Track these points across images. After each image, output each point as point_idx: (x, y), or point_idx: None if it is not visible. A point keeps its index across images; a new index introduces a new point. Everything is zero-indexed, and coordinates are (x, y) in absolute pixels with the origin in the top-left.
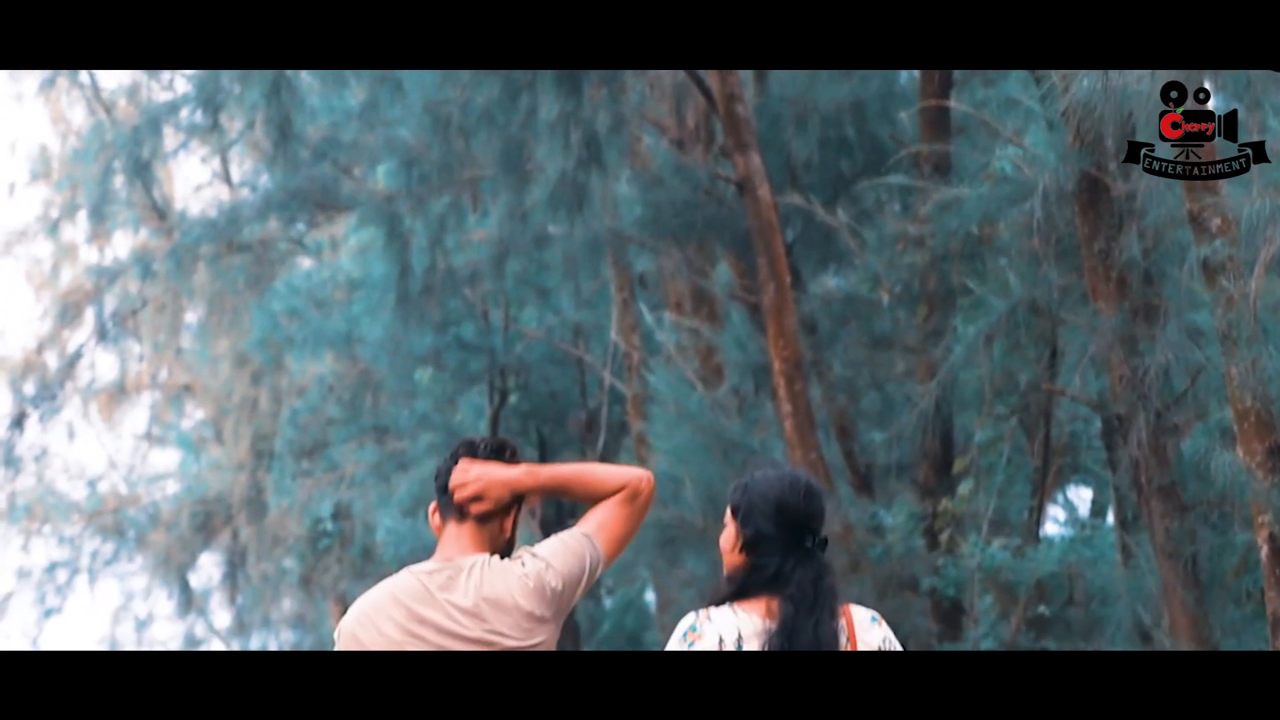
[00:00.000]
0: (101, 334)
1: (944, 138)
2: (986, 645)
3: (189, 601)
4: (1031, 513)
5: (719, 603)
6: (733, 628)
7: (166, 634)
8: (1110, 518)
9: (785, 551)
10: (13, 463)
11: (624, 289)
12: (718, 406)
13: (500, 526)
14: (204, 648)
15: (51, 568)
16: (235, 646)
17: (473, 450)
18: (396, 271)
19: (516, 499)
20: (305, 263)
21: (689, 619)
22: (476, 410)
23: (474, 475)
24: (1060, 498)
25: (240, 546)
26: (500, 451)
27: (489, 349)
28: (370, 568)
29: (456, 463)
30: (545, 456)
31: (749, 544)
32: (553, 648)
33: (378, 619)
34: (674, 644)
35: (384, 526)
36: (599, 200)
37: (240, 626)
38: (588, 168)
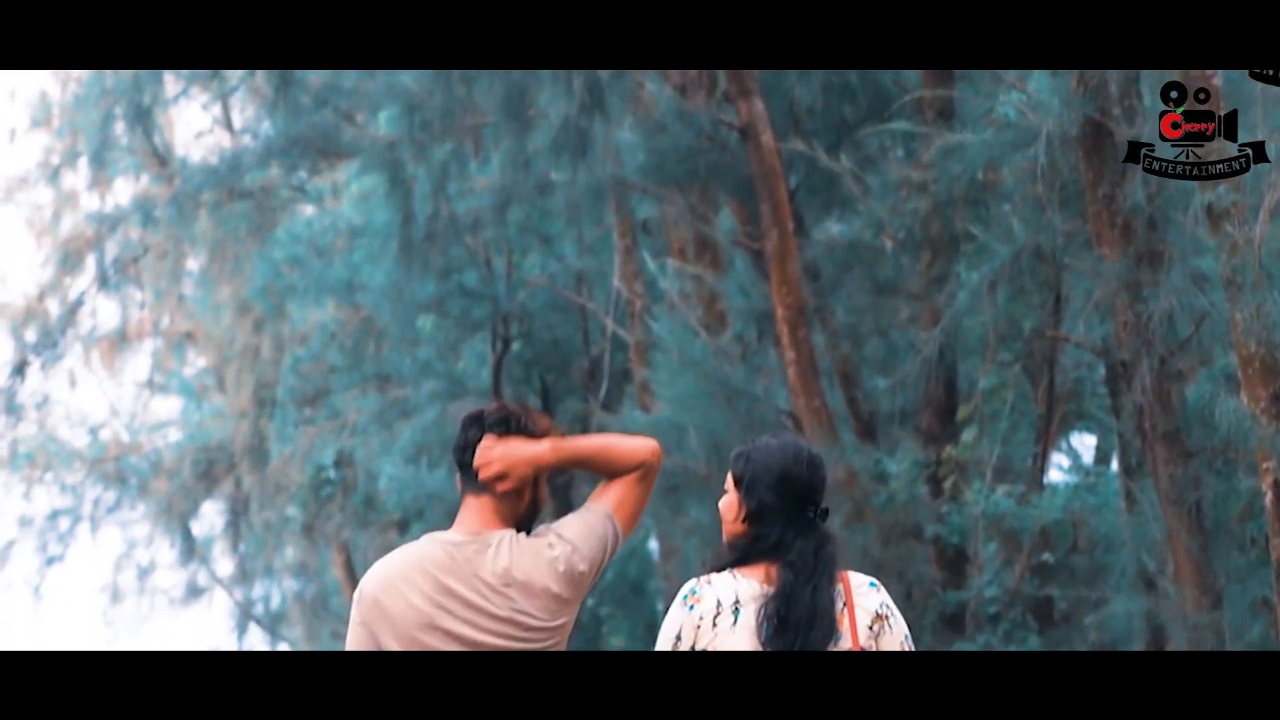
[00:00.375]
0: (103, 281)
1: (947, 83)
2: (990, 593)
3: (191, 549)
4: (1035, 459)
5: (720, 569)
6: (731, 592)
7: (168, 582)
8: (1114, 464)
9: (787, 522)
10: (14, 410)
11: (627, 236)
12: (721, 354)
13: (520, 497)
14: (206, 596)
15: (53, 515)
16: (238, 595)
17: (480, 423)
18: (399, 218)
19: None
20: (307, 210)
21: (689, 584)
22: (479, 358)
23: (497, 455)
24: (1064, 444)
25: (242, 494)
26: (506, 423)
27: (491, 296)
28: (373, 516)
29: (466, 435)
30: (548, 404)
31: (752, 515)
32: (570, 627)
33: (404, 588)
34: (674, 608)
35: (386, 474)
36: (601, 147)
37: (243, 574)
38: (590, 114)
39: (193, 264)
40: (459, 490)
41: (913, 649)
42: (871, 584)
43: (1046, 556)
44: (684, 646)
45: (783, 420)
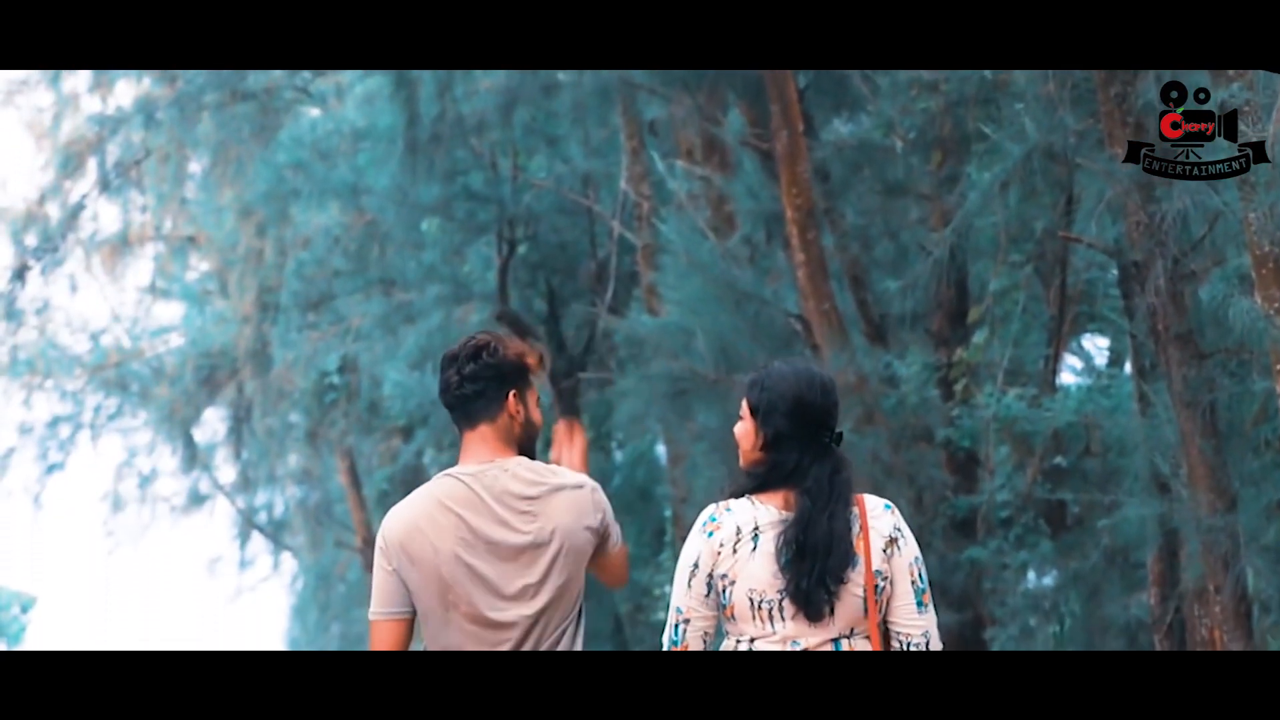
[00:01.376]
0: (104, 185)
1: None
2: (1002, 497)
3: (193, 457)
4: (1047, 362)
5: (738, 495)
6: (750, 518)
7: (170, 490)
8: (1127, 366)
9: (803, 448)
10: (14, 316)
11: (634, 137)
12: (729, 256)
13: (514, 421)
14: (208, 504)
15: (54, 423)
16: (240, 502)
17: (455, 362)
18: (403, 120)
19: (524, 380)
20: (311, 112)
21: (709, 510)
22: (485, 261)
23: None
24: (1076, 346)
25: (245, 401)
26: (476, 355)
27: (497, 199)
28: (377, 422)
29: (445, 376)
30: (554, 308)
31: (769, 443)
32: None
33: (428, 528)
34: (694, 535)
35: (391, 380)
36: None
37: (245, 482)
38: None
39: (195, 167)
40: (457, 430)
41: (921, 571)
42: (886, 506)
43: (1059, 460)
44: (702, 573)
45: (792, 324)
